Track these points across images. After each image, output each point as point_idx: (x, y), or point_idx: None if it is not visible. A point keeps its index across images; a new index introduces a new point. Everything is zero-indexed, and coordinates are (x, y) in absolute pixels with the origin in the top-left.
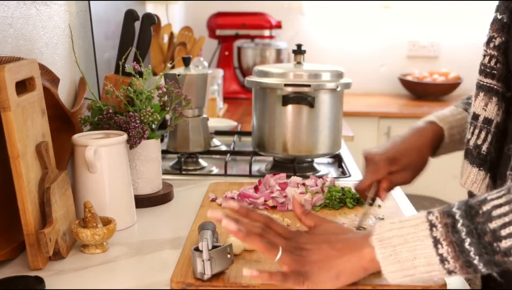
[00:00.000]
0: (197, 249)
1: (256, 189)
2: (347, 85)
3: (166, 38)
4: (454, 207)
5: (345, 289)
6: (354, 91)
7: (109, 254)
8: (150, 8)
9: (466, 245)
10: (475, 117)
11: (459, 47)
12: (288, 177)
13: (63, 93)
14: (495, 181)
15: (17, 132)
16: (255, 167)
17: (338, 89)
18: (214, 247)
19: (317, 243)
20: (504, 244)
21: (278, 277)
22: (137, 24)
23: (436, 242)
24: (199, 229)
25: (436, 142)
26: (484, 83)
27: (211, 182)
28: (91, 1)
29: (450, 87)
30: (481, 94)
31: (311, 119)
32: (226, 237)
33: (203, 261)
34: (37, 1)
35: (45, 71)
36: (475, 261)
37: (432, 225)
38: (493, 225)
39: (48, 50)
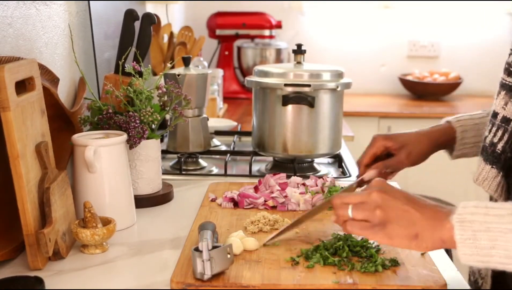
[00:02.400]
0: (197, 249)
1: (256, 189)
2: (347, 85)
3: (166, 38)
4: None
5: (344, 288)
6: (354, 91)
7: (109, 254)
8: (150, 7)
9: None
10: (494, 115)
11: (459, 47)
12: (288, 177)
13: (63, 93)
14: (508, 180)
15: (16, 132)
16: (255, 167)
17: (338, 89)
18: (214, 247)
19: (397, 200)
20: None
21: (355, 224)
22: (137, 24)
23: None
24: (199, 229)
25: (444, 139)
26: (507, 82)
27: (211, 182)
28: (90, 1)
29: (450, 87)
30: (502, 92)
31: (311, 119)
32: (226, 237)
33: (203, 261)
34: (37, 1)
35: (44, 71)
36: None
37: None
38: None
39: (48, 50)
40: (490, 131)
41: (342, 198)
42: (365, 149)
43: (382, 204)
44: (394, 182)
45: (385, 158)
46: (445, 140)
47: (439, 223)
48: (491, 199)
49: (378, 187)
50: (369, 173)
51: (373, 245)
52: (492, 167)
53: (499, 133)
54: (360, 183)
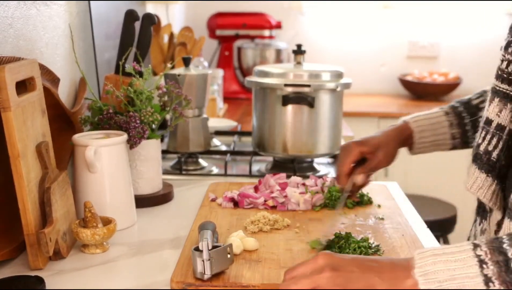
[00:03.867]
0: (197, 249)
1: (256, 189)
2: (347, 85)
3: (166, 38)
4: (504, 243)
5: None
6: (354, 91)
7: (109, 254)
8: (150, 8)
9: None
10: (488, 122)
11: (459, 47)
12: (288, 177)
13: (63, 93)
14: (503, 189)
15: (17, 132)
16: (255, 167)
17: (338, 89)
18: (214, 247)
19: (352, 272)
20: None
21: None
22: (137, 24)
23: (487, 280)
24: (199, 229)
25: (404, 138)
26: (500, 89)
27: (211, 182)
28: (91, 1)
29: (449, 87)
30: (496, 99)
31: (311, 119)
32: (226, 237)
33: (203, 261)
34: (38, 1)
35: (45, 71)
36: None
37: (481, 262)
38: None
39: (48, 50)
40: (484, 138)
41: (289, 285)
42: (341, 158)
43: (340, 284)
44: (394, 182)
45: (360, 162)
46: (405, 139)
47: (400, 282)
48: (481, 206)
49: (327, 264)
50: (359, 177)
51: (373, 245)
52: (487, 176)
53: (494, 140)
54: (353, 191)
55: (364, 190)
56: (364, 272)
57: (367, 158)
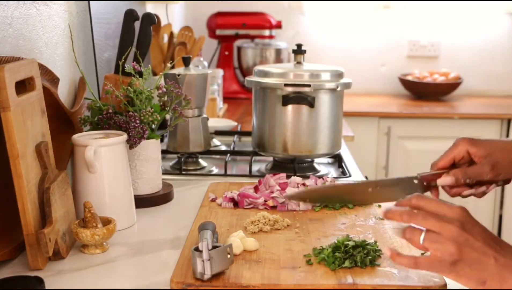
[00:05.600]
0: (197, 249)
1: (256, 189)
2: (347, 85)
3: (166, 38)
4: None
5: (344, 288)
6: (354, 91)
7: (109, 254)
8: (150, 7)
9: None
10: None
11: (459, 47)
12: (288, 177)
13: (63, 93)
14: None
15: (16, 132)
16: (255, 167)
17: (338, 89)
18: (214, 247)
19: (476, 240)
20: None
21: (423, 262)
22: (137, 24)
23: None
24: (199, 229)
25: None
26: None
27: (211, 182)
28: (91, 1)
29: (450, 87)
30: None
31: (311, 119)
32: (226, 237)
33: (203, 261)
34: (37, 1)
35: (44, 71)
36: None
37: None
38: None
39: (48, 50)
40: None
41: (417, 218)
42: (445, 152)
43: (460, 242)
44: None
45: (464, 165)
46: None
47: (510, 274)
48: None
49: (459, 220)
50: (445, 179)
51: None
52: None
53: None
54: (428, 186)
55: None
56: (486, 246)
57: (475, 162)
